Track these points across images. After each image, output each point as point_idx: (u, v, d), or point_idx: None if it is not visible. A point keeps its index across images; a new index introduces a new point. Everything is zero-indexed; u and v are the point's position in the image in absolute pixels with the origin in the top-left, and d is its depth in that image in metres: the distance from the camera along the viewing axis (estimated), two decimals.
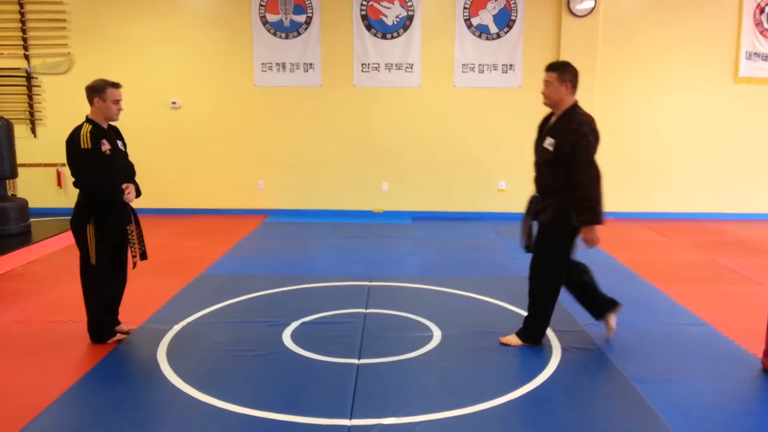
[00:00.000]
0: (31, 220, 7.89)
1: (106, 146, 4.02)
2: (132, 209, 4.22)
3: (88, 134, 3.96)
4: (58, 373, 3.76)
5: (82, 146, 3.94)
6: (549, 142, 3.92)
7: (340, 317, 4.73)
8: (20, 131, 8.64)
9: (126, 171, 4.24)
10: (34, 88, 9.07)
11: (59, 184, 9.19)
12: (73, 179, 4.06)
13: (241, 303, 5.10)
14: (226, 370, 3.82)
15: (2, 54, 8.95)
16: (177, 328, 4.48)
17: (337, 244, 7.44)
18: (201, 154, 9.20)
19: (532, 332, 4.18)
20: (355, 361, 3.91)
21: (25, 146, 8.69)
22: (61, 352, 4.11)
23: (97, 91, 4.03)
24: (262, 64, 8.94)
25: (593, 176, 3.78)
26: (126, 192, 4.08)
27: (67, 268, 6.23)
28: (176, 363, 3.88)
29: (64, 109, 9.01)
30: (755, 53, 8.67)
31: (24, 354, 4.10)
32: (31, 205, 8.04)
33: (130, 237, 4.15)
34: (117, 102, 4.07)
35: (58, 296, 5.31)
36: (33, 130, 9.14)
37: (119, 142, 4.20)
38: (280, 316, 4.68)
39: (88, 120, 4.07)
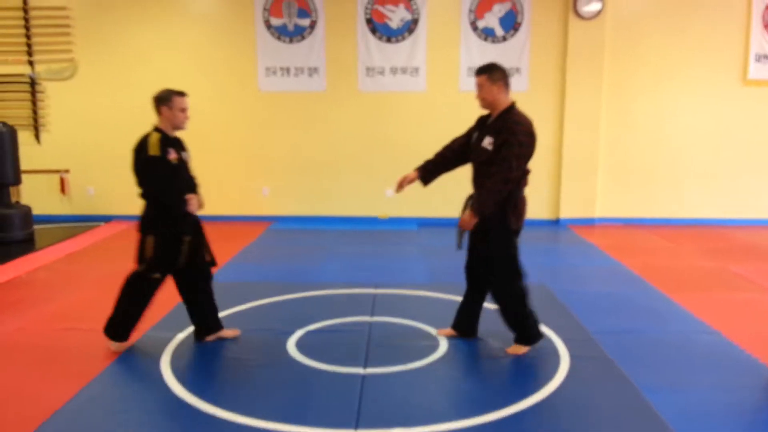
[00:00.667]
0: (34, 227, 7.89)
1: (173, 155, 4.00)
2: (196, 219, 4.19)
3: (158, 142, 3.94)
4: (61, 382, 3.72)
5: (151, 153, 3.91)
6: (488, 142, 3.92)
7: (345, 325, 4.67)
8: (24, 137, 8.64)
9: (190, 181, 4.23)
10: (38, 94, 9.06)
11: (63, 190, 9.17)
12: (139, 188, 4.02)
13: (245, 311, 5.05)
14: (230, 379, 3.80)
15: (6, 60, 8.95)
16: (181, 336, 4.44)
17: (342, 251, 7.39)
18: (205, 159, 9.09)
19: (526, 332, 4.12)
20: (361, 370, 3.86)
21: (28, 152, 8.69)
22: (64, 360, 4.07)
23: (164, 100, 4.02)
24: (266, 68, 8.91)
25: (504, 172, 3.77)
26: (190, 202, 4.04)
27: (71, 275, 6.21)
28: (180, 371, 3.85)
29: (68, 115, 9.05)
30: (764, 55, 8.59)
31: (27, 363, 4.06)
32: (35, 212, 8.04)
33: (182, 248, 4.10)
34: (184, 110, 4.05)
35: (63, 304, 5.28)
36: (37, 137, 9.13)
37: (183, 153, 4.17)
38: (285, 324, 4.63)
39: (156, 129, 4.04)
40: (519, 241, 4.08)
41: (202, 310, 4.34)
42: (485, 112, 4.14)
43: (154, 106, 4.06)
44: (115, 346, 4.19)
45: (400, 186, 4.30)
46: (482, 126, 4.09)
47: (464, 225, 3.96)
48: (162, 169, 3.96)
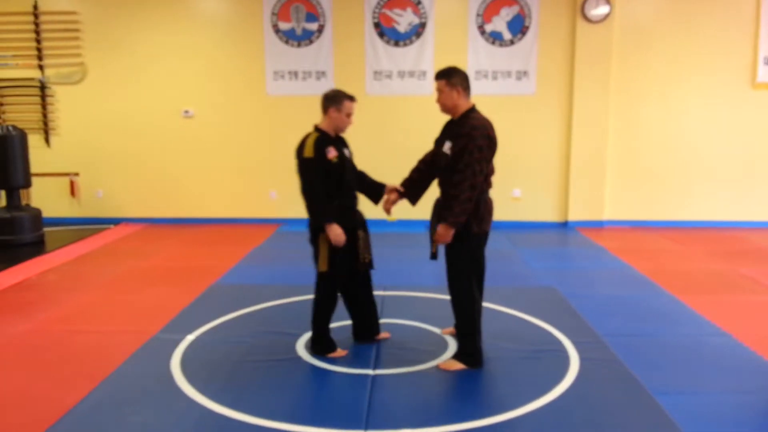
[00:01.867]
0: (44, 229, 7.94)
1: (332, 153, 3.96)
2: (361, 216, 4.21)
3: (313, 143, 3.92)
4: (70, 384, 3.74)
5: (305, 155, 3.91)
6: (447, 147, 3.88)
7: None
8: (34, 141, 8.71)
9: (353, 179, 4.21)
10: (48, 98, 9.11)
11: (72, 193, 9.21)
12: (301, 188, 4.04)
13: (254, 313, 5.07)
14: (240, 381, 3.80)
15: (17, 64, 9.02)
16: (190, 338, 4.46)
17: None
18: (213, 162, 9.20)
19: (465, 351, 3.99)
20: (370, 371, 3.87)
21: (38, 156, 8.77)
22: (74, 362, 4.09)
23: (335, 101, 3.98)
24: (274, 72, 8.94)
25: (469, 180, 3.71)
26: (336, 236, 3.95)
27: (80, 278, 6.24)
28: (190, 373, 3.86)
29: (77, 118, 9.11)
30: None
31: (37, 365, 4.08)
32: (45, 214, 8.09)
33: (358, 243, 4.15)
34: (350, 115, 4.03)
35: (72, 306, 5.30)
36: (47, 140, 9.17)
37: (345, 150, 4.14)
38: (294, 326, 4.64)
39: (316, 129, 4.04)
40: (484, 246, 4.04)
41: (361, 310, 4.35)
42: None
43: (322, 104, 4.03)
44: (332, 354, 4.15)
45: (386, 210, 4.34)
46: (445, 131, 4.06)
47: (441, 239, 3.85)
48: (315, 172, 3.92)
